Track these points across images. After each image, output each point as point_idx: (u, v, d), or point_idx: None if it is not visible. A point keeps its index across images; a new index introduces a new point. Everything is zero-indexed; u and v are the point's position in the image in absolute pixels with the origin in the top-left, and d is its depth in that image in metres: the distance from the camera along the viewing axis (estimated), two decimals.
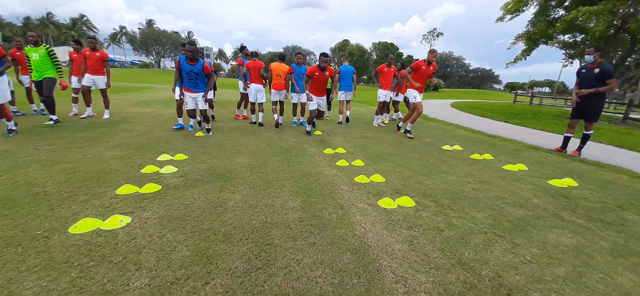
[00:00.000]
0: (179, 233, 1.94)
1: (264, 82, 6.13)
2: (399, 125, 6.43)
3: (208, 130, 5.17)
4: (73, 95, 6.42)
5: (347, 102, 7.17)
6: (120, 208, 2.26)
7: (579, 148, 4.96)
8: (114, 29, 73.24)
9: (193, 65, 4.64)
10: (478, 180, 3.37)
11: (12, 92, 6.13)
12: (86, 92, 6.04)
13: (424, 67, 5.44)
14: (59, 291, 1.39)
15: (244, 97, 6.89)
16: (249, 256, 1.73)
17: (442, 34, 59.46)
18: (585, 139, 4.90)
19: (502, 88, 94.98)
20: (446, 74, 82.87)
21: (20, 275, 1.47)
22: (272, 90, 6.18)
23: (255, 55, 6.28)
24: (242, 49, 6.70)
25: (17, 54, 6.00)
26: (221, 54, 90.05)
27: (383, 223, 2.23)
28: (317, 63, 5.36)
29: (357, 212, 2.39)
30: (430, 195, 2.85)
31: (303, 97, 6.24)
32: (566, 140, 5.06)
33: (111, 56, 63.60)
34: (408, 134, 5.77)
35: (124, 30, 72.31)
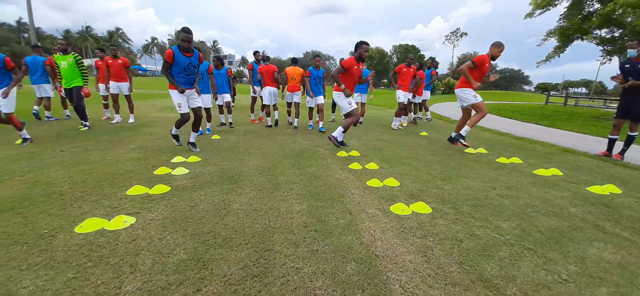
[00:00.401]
0: (179, 236, 1.89)
1: (277, 84, 6.36)
2: (452, 135, 5.01)
3: (189, 142, 4.24)
4: (103, 102, 6.78)
5: (362, 104, 7.29)
6: (127, 209, 2.26)
7: (622, 152, 4.45)
8: (146, 40, 77.86)
9: (190, 57, 3.80)
10: (505, 186, 3.08)
11: (48, 98, 6.59)
12: (116, 99, 6.34)
13: (487, 64, 4.48)
14: (53, 292, 1.36)
15: (255, 100, 7.16)
16: (247, 262, 1.63)
17: (466, 34, 57.54)
18: (629, 141, 4.38)
19: (532, 90, 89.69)
20: None
21: (20, 273, 1.47)
22: (288, 92, 6.40)
23: (267, 59, 6.49)
24: (255, 54, 6.82)
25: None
26: (244, 62, 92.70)
27: (394, 231, 2.05)
28: (355, 55, 4.42)
29: (367, 217, 2.23)
30: (449, 201, 2.62)
31: (319, 100, 6.17)
32: (611, 142, 4.57)
33: (144, 66, 67.36)
34: (462, 141, 4.77)
35: (155, 41, 76.57)
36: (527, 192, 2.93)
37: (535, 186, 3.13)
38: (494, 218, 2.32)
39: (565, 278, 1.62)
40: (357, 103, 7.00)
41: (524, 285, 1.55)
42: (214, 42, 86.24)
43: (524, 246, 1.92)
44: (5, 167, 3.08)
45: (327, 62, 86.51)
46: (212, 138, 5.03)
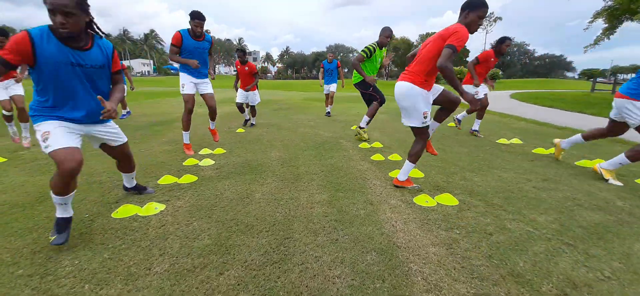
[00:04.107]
0: (204, 222, 1.96)
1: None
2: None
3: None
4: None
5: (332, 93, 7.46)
6: (157, 197, 2.39)
7: None
8: None
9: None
10: (541, 178, 2.86)
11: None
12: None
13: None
14: (89, 270, 1.47)
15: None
16: (267, 249, 1.66)
17: (500, 18, 53.99)
18: None
19: (576, 77, 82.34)
20: (506, 62, 74.72)
21: (60, 254, 1.60)
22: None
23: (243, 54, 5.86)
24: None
25: None
26: (268, 58, 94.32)
27: (417, 222, 1.98)
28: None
29: (388, 208, 2.17)
30: (479, 193, 2.48)
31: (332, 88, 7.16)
32: None
33: (175, 65, 70.55)
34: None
35: None
36: (567, 184, 2.70)
37: (577, 178, 2.87)
38: (529, 211, 2.16)
39: (608, 276, 1.47)
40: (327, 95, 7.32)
41: (562, 283, 1.43)
42: (240, 39, 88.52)
43: (563, 241, 1.77)
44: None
45: (350, 55, 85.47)
46: (236, 131, 5.18)
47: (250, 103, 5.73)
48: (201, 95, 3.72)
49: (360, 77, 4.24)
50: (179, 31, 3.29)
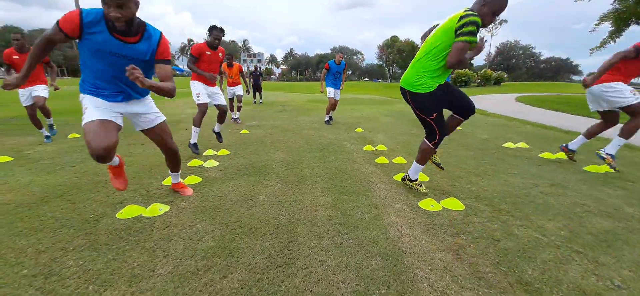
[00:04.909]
0: (208, 224, 1.95)
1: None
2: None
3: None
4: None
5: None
6: (162, 198, 2.39)
7: None
8: (183, 43, 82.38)
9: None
10: (549, 183, 2.81)
11: None
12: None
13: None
14: (94, 271, 1.47)
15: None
16: (271, 252, 1.65)
17: (505, 20, 53.69)
18: None
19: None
20: (510, 65, 74.23)
21: (66, 254, 1.60)
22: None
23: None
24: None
25: None
26: (272, 59, 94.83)
27: (423, 227, 1.95)
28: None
29: (393, 212, 2.15)
30: (485, 197, 2.45)
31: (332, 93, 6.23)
32: None
33: (181, 67, 70.25)
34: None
35: (191, 43, 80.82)
36: (576, 190, 2.65)
37: (585, 184, 2.82)
38: (537, 217, 2.12)
39: (618, 285, 1.43)
40: (331, 99, 6.16)
41: (571, 291, 1.39)
42: (245, 41, 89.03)
43: (572, 249, 1.73)
44: (58, 159, 3.41)
45: (354, 57, 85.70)
46: (240, 132, 5.19)
47: (218, 104, 4.00)
48: (144, 131, 2.31)
49: (427, 83, 2.23)
50: (79, 10, 1.57)
